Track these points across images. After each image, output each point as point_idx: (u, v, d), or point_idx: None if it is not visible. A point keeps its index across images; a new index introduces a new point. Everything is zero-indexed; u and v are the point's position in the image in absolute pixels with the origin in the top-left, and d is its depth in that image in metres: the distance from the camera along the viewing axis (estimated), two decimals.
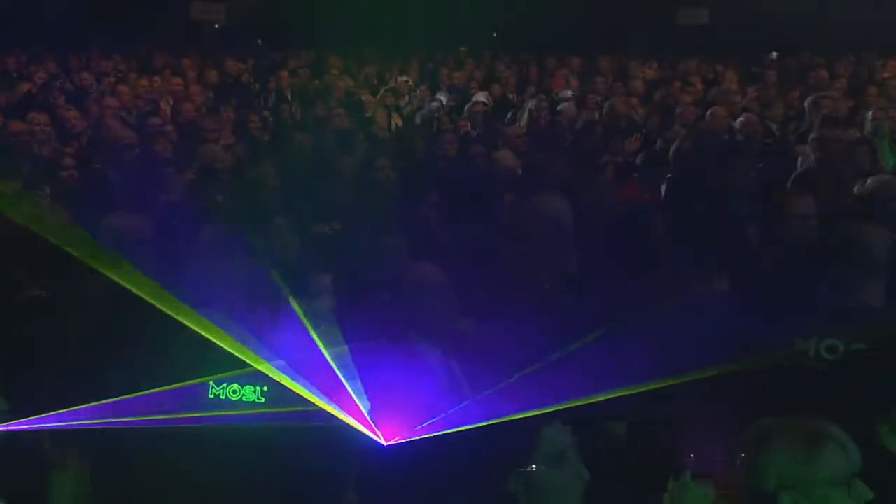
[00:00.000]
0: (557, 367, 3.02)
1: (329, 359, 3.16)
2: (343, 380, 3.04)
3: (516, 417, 2.72)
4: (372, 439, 2.90)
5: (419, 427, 2.88)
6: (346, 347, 3.22)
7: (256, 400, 3.14)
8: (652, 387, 3.08)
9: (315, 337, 3.37)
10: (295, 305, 3.66)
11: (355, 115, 10.89)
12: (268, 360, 3.15)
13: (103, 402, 3.17)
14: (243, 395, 3.16)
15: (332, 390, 3.00)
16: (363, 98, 12.42)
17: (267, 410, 3.13)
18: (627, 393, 3.04)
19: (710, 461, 3.07)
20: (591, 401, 2.90)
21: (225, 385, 3.16)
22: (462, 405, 2.98)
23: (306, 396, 3.02)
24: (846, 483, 2.70)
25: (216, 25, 18.75)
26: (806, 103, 9.70)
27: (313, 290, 4.43)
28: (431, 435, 2.84)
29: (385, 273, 4.37)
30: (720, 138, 7.73)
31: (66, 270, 4.40)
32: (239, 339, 3.17)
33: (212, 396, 3.15)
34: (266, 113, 11.25)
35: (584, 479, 2.75)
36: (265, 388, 3.15)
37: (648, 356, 3.13)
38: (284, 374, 3.08)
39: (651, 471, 2.97)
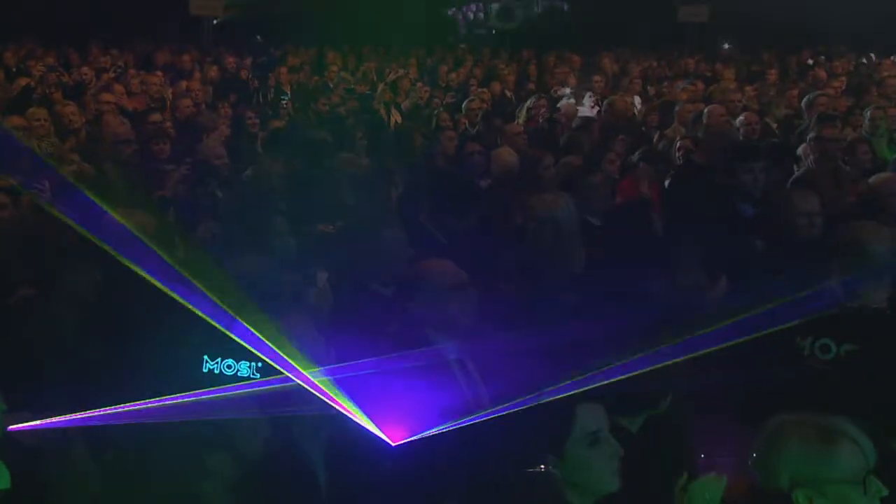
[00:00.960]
0: (566, 364, 3.03)
1: (337, 360, 3.17)
2: (353, 381, 3.05)
3: (527, 408, 2.74)
4: (379, 440, 2.90)
5: (430, 428, 2.88)
6: (352, 347, 3.23)
7: (251, 375, 3.16)
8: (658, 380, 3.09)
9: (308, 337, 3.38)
10: (296, 304, 3.68)
11: (354, 112, 10.90)
12: (250, 364, 3.16)
13: (99, 395, 3.18)
14: (238, 370, 3.18)
15: (340, 391, 3.01)
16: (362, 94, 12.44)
17: (263, 390, 3.14)
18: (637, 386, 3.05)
19: (721, 459, 3.08)
20: (600, 389, 2.91)
21: (219, 360, 3.18)
22: (477, 408, 2.99)
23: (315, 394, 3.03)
24: (861, 480, 2.69)
25: (215, 21, 18.73)
26: (803, 102, 9.74)
27: (312, 288, 4.44)
28: (438, 432, 2.84)
29: (394, 271, 4.36)
30: (729, 138, 7.72)
31: (62, 266, 4.40)
32: (241, 336, 3.18)
33: (206, 371, 3.17)
34: (268, 110, 11.28)
35: (619, 455, 2.78)
36: (260, 364, 3.17)
37: (652, 354, 3.14)
38: (291, 373, 3.09)
39: (661, 466, 2.98)
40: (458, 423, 2.95)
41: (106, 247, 3.82)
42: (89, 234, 4.02)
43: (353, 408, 3.00)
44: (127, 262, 3.68)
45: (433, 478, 2.85)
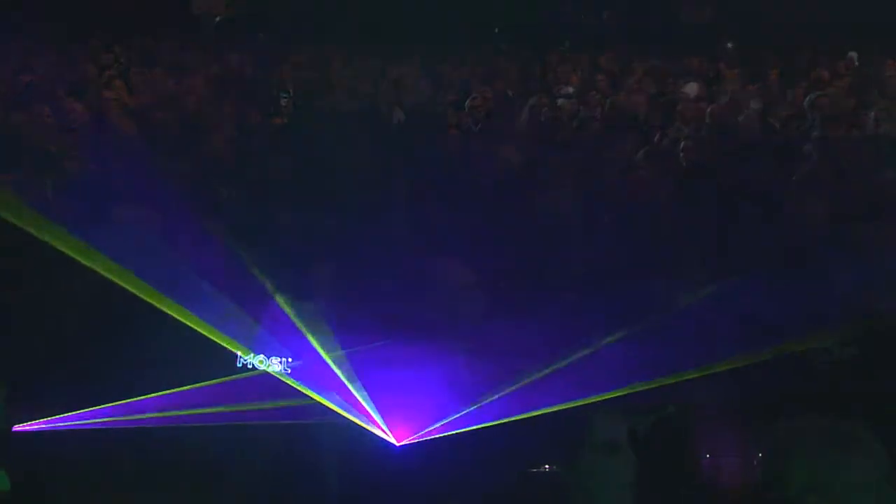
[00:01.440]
0: (571, 365, 3.02)
1: (343, 359, 3.19)
2: (358, 381, 3.06)
3: (534, 414, 2.73)
4: (384, 440, 2.91)
5: (434, 423, 2.88)
6: (361, 347, 3.25)
7: (283, 370, 3.24)
8: (666, 382, 3.08)
9: (325, 337, 3.40)
10: (305, 303, 3.68)
11: (357, 110, 10.90)
12: (280, 359, 3.20)
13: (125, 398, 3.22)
14: (269, 365, 3.26)
15: (347, 392, 3.03)
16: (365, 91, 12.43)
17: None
18: (644, 388, 3.03)
19: (727, 461, 3.06)
20: (607, 397, 2.91)
21: (252, 355, 3.25)
22: (480, 405, 2.99)
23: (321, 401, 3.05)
24: (876, 488, 2.64)
25: (217, 19, 18.71)
26: (805, 102, 9.74)
27: (317, 287, 4.43)
28: (443, 435, 2.84)
29: (397, 269, 4.36)
30: (733, 137, 7.73)
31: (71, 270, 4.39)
32: (246, 338, 3.22)
33: (240, 366, 3.25)
34: (270, 107, 11.27)
35: (634, 464, 2.75)
36: (291, 359, 3.23)
37: (659, 354, 3.13)
38: (299, 375, 3.11)
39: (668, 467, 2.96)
40: (463, 415, 2.95)
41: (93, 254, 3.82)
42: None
43: (361, 395, 3.00)
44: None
45: (438, 478, 2.84)
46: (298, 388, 3.14)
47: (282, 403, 3.17)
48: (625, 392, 2.99)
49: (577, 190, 5.97)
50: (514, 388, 2.97)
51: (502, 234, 5.70)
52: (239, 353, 3.30)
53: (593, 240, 5.42)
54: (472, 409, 3.04)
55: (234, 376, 3.32)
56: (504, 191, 6.60)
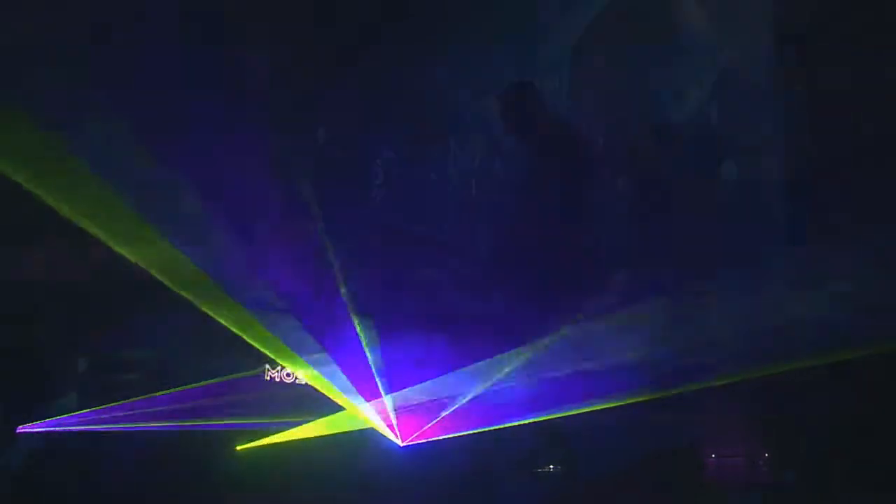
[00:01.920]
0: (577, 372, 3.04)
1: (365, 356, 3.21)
2: (366, 382, 3.09)
3: (536, 420, 2.75)
4: (388, 440, 2.93)
5: (435, 425, 2.90)
6: (374, 345, 3.27)
7: (308, 382, 3.27)
8: (672, 387, 3.08)
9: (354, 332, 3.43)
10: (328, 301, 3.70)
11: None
12: (304, 354, 3.22)
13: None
14: (297, 377, 3.29)
15: (363, 390, 3.05)
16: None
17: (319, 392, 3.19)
18: (650, 397, 3.04)
19: (732, 460, 3.07)
20: (607, 405, 2.92)
21: (280, 369, 3.28)
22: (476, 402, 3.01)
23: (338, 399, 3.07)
24: None
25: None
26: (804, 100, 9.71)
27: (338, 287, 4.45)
28: (446, 437, 2.86)
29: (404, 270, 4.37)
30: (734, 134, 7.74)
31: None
32: (278, 333, 3.24)
33: (268, 379, 3.28)
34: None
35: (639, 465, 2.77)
36: (315, 372, 3.25)
37: (666, 352, 3.14)
38: (320, 368, 3.13)
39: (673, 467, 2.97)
40: (463, 414, 2.97)
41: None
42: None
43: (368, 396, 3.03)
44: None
45: (442, 477, 2.86)
46: (313, 386, 3.16)
47: (292, 418, 3.18)
48: (630, 399, 3.00)
49: (577, 188, 5.97)
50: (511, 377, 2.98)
51: (502, 234, 5.71)
52: (266, 365, 3.33)
53: (593, 239, 5.43)
54: (470, 403, 3.05)
55: (229, 376, 3.32)
56: (504, 190, 6.61)
